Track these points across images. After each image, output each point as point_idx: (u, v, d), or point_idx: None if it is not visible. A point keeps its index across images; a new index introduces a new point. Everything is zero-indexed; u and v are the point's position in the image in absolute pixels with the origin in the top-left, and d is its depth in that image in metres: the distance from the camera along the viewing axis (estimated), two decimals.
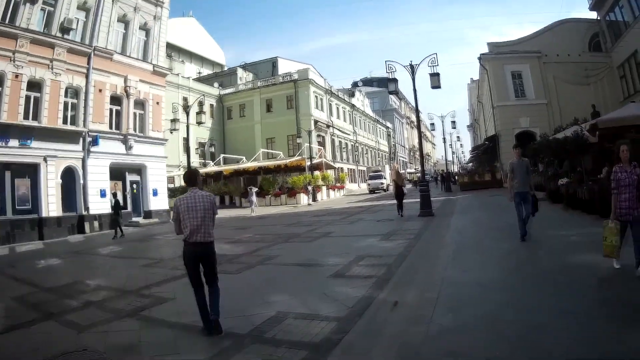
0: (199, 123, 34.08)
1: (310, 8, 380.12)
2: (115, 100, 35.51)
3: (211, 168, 61.80)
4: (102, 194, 32.52)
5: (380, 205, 37.07)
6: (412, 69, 25.09)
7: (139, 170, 37.46)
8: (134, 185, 37.34)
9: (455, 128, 62.34)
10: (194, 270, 7.51)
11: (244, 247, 17.91)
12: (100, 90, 33.70)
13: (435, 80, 24.88)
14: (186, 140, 34.15)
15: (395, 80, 25.54)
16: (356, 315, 7.60)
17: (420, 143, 27.94)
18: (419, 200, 24.72)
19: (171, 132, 37.02)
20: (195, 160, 65.90)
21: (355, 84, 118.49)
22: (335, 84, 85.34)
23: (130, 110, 36.31)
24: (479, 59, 48.98)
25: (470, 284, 9.08)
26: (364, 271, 11.29)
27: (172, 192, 52.77)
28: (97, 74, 33.53)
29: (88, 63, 32.93)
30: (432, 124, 62.49)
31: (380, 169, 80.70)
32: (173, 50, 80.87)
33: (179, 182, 60.79)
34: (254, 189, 42.85)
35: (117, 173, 35.23)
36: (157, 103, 38.99)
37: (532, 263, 10.54)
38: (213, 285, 7.61)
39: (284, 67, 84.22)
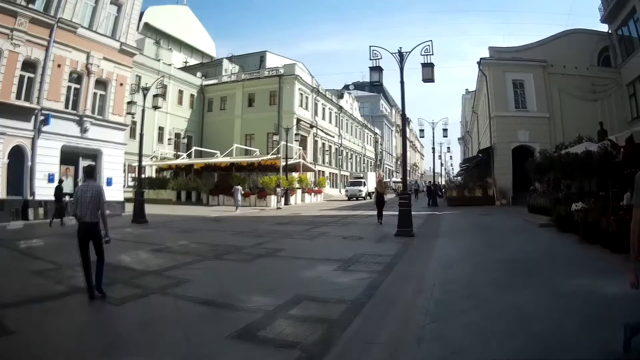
0: (155, 107, 29.97)
1: (308, 12, 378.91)
2: (76, 77, 32.42)
3: (182, 161, 58.81)
4: (51, 178, 29.55)
5: (354, 215, 33.63)
6: (401, 57, 20.96)
7: (94, 156, 34.16)
8: (96, 171, 33.34)
9: (446, 137, 59.18)
10: (83, 245, 9.34)
11: (162, 261, 14.30)
12: (59, 66, 30.62)
13: (428, 71, 20.71)
14: (141, 126, 29.86)
15: (379, 69, 21.27)
16: None
17: (404, 145, 23.42)
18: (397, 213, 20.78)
19: (133, 116, 33.09)
20: (170, 152, 64.38)
21: (346, 87, 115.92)
22: (327, 86, 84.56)
23: (90, 89, 33.13)
24: (479, 63, 45.91)
25: None
26: (288, 332, 7.21)
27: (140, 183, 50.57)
28: (58, 48, 30.56)
29: (50, 35, 29.95)
30: (422, 131, 58.73)
31: (362, 175, 78.14)
32: (162, 37, 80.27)
33: (151, 172, 59.99)
34: (240, 188, 41.67)
35: (69, 157, 32.23)
36: (121, 84, 35.62)
37: (568, 343, 6.37)
38: (99, 260, 9.36)
39: (272, 62, 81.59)
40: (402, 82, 21.00)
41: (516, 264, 12.11)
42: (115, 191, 34.95)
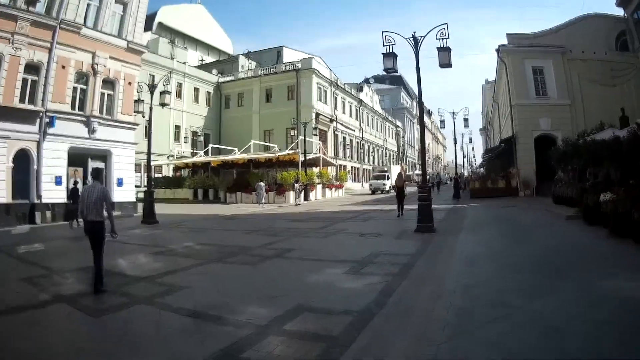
0: (163, 105, 29.08)
1: (325, 6, 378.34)
2: (81, 78, 31.88)
3: (198, 158, 58.11)
4: (58, 181, 29.30)
5: (375, 210, 32.53)
6: (416, 42, 19.83)
7: (104, 156, 33.62)
8: (102, 172, 32.79)
9: (467, 127, 57.96)
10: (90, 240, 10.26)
11: (160, 265, 13.57)
12: (63, 67, 30.07)
13: (444, 56, 19.49)
14: (149, 124, 29.16)
15: (393, 55, 19.96)
16: None
17: (422, 133, 22.23)
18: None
19: (143, 116, 31.95)
20: (187, 150, 63.98)
21: (366, 80, 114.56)
22: (347, 81, 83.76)
23: (97, 89, 32.51)
24: (497, 50, 44.75)
25: None
26: (278, 353, 6.14)
27: (156, 182, 51.49)
28: (62, 49, 29.98)
29: (52, 37, 29.39)
30: (443, 121, 57.43)
31: (385, 169, 76.92)
32: (177, 36, 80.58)
33: (168, 171, 60.24)
34: (263, 184, 41.52)
35: (77, 159, 31.53)
36: (130, 83, 34.89)
37: None
38: (95, 259, 10.09)
39: (289, 57, 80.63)
40: (417, 68, 19.88)
41: (544, 263, 11.01)
42: (127, 192, 34.48)
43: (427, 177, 24.89)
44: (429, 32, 19.84)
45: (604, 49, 41.10)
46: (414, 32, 19.86)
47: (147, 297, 9.55)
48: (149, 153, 28.61)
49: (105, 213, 10.41)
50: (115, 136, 33.52)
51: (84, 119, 31.37)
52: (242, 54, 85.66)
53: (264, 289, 10.04)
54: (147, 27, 61.84)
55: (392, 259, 12.64)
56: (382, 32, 19.85)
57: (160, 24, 76.98)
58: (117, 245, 13.73)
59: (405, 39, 19.88)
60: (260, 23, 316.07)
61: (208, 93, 71.37)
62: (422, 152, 22.00)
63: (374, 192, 61.94)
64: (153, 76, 48.96)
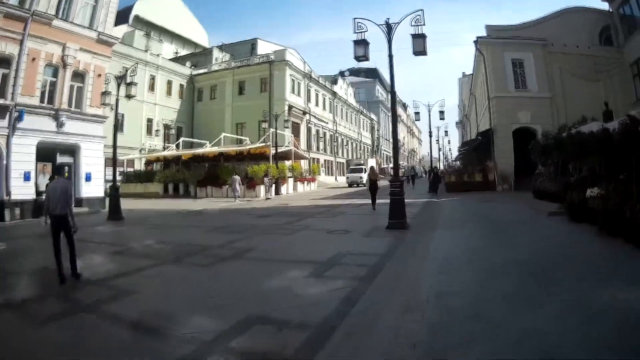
0: (129, 97, 28.24)
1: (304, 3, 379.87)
2: (51, 70, 31.07)
3: (169, 152, 56.87)
4: (26, 177, 28.46)
5: (346, 205, 31.75)
6: (389, 29, 18.89)
7: (73, 151, 32.89)
8: (66, 168, 31.94)
9: (443, 119, 57.37)
10: (55, 236, 10.70)
11: (115, 266, 12.70)
12: (33, 59, 29.28)
13: (419, 43, 18.56)
14: (115, 115, 28.83)
15: (364, 42, 19.09)
16: None
17: (394, 123, 21.31)
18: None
19: (111, 109, 31.03)
20: (159, 144, 63.14)
21: (342, 73, 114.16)
22: (324, 73, 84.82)
23: (67, 82, 31.73)
24: (475, 42, 43.90)
25: None
26: None
27: (127, 177, 52.49)
28: (33, 41, 29.20)
29: (24, 29, 28.62)
30: (417, 113, 56.52)
31: (362, 162, 77.26)
32: (153, 29, 79.32)
33: (140, 165, 59.12)
34: (237, 178, 41.10)
35: (46, 153, 30.75)
36: (99, 76, 33.99)
37: None
38: (71, 248, 10.73)
39: (264, 50, 79.78)
40: (390, 56, 19.02)
41: (529, 267, 9.94)
42: (95, 187, 33.75)
43: (402, 170, 24.11)
44: (403, 18, 18.95)
45: (587, 43, 40.53)
46: (388, 19, 18.97)
47: (93, 303, 8.78)
48: (114, 146, 28.05)
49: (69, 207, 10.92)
50: (84, 130, 32.81)
51: (52, 112, 30.68)
52: (216, 47, 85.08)
53: (216, 295, 9.04)
54: (124, 19, 61.27)
55: (360, 260, 11.71)
56: (354, 18, 19.01)
57: (136, 16, 76.05)
58: (77, 244, 12.66)
59: (378, 25, 19.01)
60: (237, 17, 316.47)
61: (181, 86, 70.53)
62: (395, 142, 20.86)
63: (350, 185, 61.63)
64: (126, 69, 48.29)
